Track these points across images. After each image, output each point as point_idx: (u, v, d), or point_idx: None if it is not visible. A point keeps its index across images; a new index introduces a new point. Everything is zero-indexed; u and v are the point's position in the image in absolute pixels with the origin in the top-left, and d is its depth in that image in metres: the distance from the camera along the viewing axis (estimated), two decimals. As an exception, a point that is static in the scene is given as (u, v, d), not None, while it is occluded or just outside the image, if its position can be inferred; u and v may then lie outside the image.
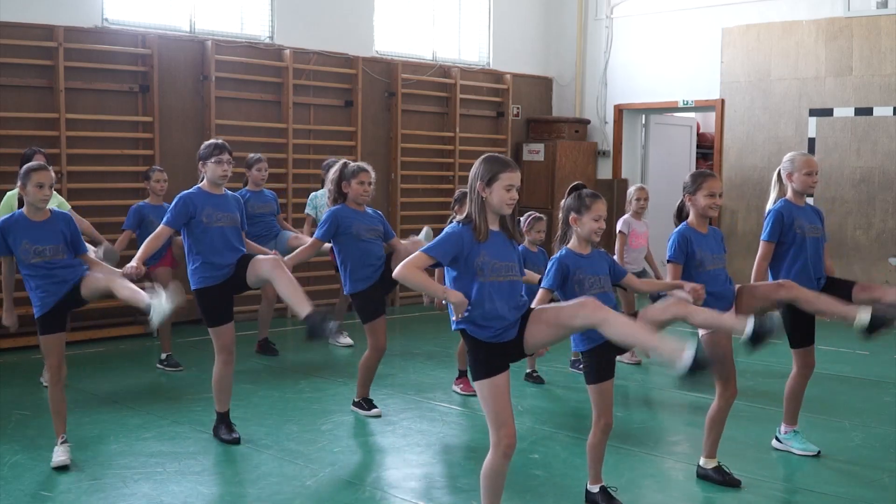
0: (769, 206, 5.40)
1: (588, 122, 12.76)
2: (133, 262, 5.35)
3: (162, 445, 5.56)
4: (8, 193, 6.88)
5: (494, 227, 3.88)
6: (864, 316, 4.68)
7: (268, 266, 5.34)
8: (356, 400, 6.36)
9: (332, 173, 6.16)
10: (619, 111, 12.58)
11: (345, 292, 6.18)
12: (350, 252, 6.03)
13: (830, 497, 4.85)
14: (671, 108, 12.49)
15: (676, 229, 4.90)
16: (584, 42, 12.84)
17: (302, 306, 5.07)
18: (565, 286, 4.38)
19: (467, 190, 3.93)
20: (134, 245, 7.69)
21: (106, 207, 8.68)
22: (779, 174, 5.42)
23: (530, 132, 12.75)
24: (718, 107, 11.54)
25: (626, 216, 7.97)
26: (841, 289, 5.30)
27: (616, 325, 3.76)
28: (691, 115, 13.59)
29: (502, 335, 3.84)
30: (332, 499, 4.77)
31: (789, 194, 5.36)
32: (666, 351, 3.68)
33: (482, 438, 5.85)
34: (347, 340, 8.68)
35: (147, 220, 7.50)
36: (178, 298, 4.88)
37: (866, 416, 6.40)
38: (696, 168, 13.46)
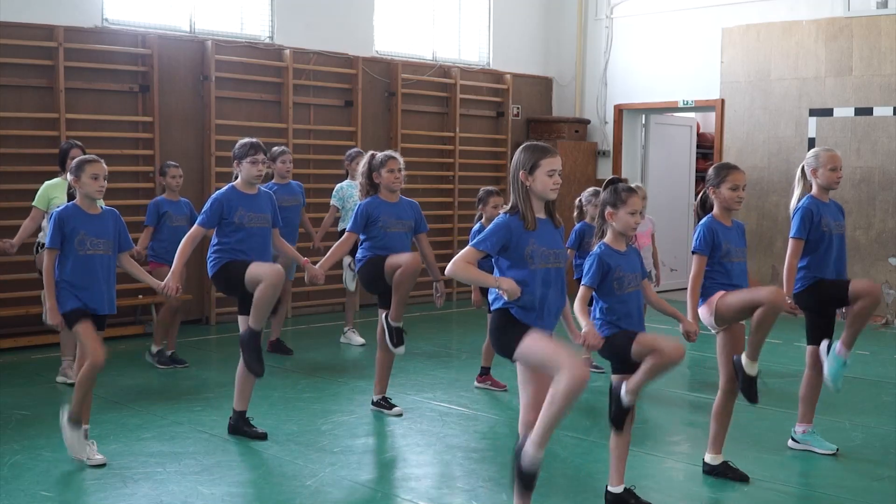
0: (794, 203, 5.42)
1: (588, 122, 12.76)
2: (169, 280, 5.36)
3: (162, 445, 5.55)
4: (46, 183, 6.90)
5: (541, 214, 4.00)
6: (749, 367, 4.82)
7: (272, 275, 5.43)
8: (375, 399, 6.40)
9: (362, 166, 6.16)
10: (619, 111, 12.58)
11: (355, 268, 6.21)
12: (377, 237, 6.03)
13: (831, 497, 4.85)
14: (671, 108, 12.49)
15: (702, 221, 4.91)
16: (584, 42, 12.84)
17: (254, 322, 5.51)
18: (604, 283, 4.36)
19: (510, 181, 4.03)
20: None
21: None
22: (802, 170, 5.44)
23: (530, 132, 12.74)
24: (718, 107, 11.54)
25: None
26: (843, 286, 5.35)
27: (567, 398, 3.78)
28: (691, 115, 13.59)
29: (545, 323, 3.93)
30: (332, 499, 4.76)
31: (814, 190, 5.38)
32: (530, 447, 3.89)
33: (482, 438, 5.87)
34: (360, 339, 8.67)
35: (166, 214, 7.55)
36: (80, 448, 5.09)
37: (866, 416, 6.40)
38: (696, 168, 13.49)
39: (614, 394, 4.45)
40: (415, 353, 8.29)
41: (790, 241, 5.32)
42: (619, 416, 4.47)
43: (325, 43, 10.54)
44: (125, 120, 9.11)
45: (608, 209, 4.40)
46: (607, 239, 4.43)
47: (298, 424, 6.07)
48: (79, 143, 7.18)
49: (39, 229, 6.84)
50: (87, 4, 8.92)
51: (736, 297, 4.79)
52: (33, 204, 6.85)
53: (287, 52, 10.12)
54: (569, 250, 6.75)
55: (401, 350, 6.16)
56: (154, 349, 7.71)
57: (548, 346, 3.85)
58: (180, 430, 5.89)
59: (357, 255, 6.19)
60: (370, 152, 6.23)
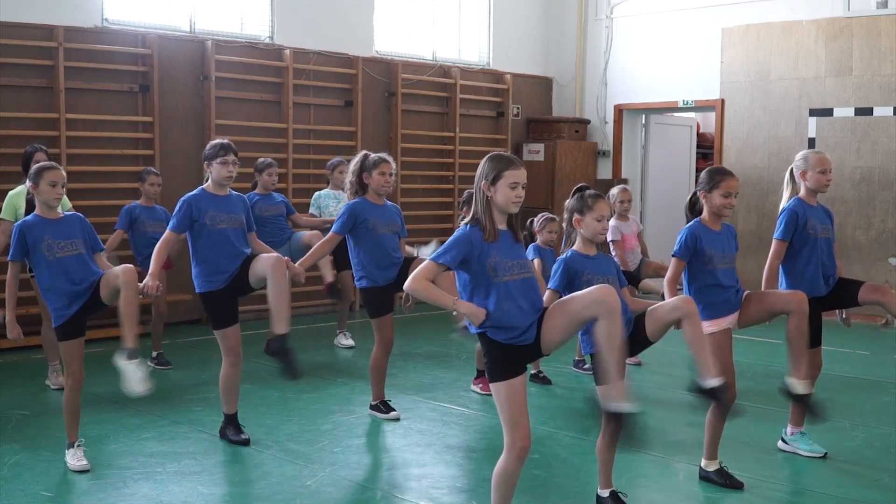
0: (782, 204, 5.38)
1: (588, 122, 12.75)
2: (148, 280, 5.30)
3: (162, 445, 5.56)
4: (10, 193, 6.86)
5: (502, 226, 3.85)
6: (797, 386, 4.85)
7: (268, 265, 5.30)
8: (373, 403, 6.30)
9: (353, 164, 6.10)
10: (619, 111, 12.58)
11: (356, 285, 6.15)
12: (365, 246, 5.98)
13: (832, 498, 4.85)
14: (671, 108, 12.49)
15: (687, 226, 4.87)
16: (584, 42, 12.84)
17: (280, 323, 5.31)
18: (572, 288, 4.31)
19: (473, 190, 3.88)
20: (126, 245, 7.72)
21: (106, 207, 8.67)
22: (791, 172, 5.41)
23: (530, 132, 12.75)
24: (718, 107, 11.53)
25: (612, 221, 7.64)
26: (849, 290, 5.30)
27: (611, 330, 3.74)
28: (691, 115, 13.59)
29: (522, 337, 3.81)
30: (332, 499, 4.76)
31: (802, 192, 5.34)
32: (612, 393, 3.83)
33: (482, 439, 5.86)
34: (349, 342, 8.67)
35: (138, 220, 7.52)
36: (145, 383, 4.86)
37: (867, 417, 6.40)
38: (696, 168, 13.48)
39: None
40: (415, 353, 8.29)
41: (773, 242, 5.28)
42: (720, 394, 4.39)
43: (325, 43, 10.53)
44: (125, 120, 9.11)
45: (575, 216, 4.39)
46: (576, 245, 4.42)
47: (298, 424, 6.07)
48: (42, 147, 7.08)
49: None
50: (87, 4, 8.92)
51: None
52: (1, 217, 6.76)
53: (287, 52, 10.11)
54: None
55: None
56: (154, 353, 7.75)
57: (512, 407, 3.77)
58: (180, 430, 5.89)
59: (353, 266, 6.11)
60: (363, 152, 6.18)
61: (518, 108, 12.62)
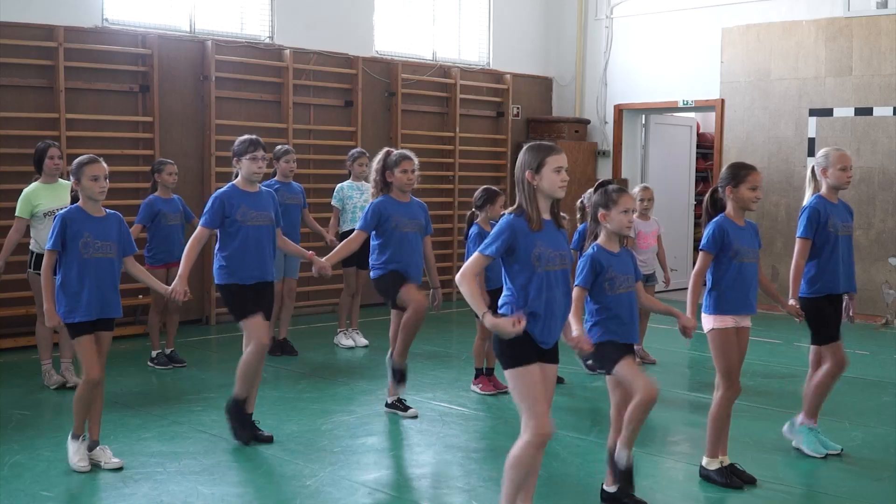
0: (805, 203, 5.42)
1: (588, 122, 12.76)
2: (178, 285, 5.35)
3: (162, 445, 5.55)
4: (25, 191, 6.86)
5: (546, 215, 3.88)
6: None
7: (252, 347, 5.49)
8: (389, 401, 6.35)
9: (376, 163, 6.13)
10: (619, 111, 12.58)
11: (371, 276, 6.18)
12: (390, 241, 6.01)
13: (831, 497, 4.85)
14: (671, 108, 12.49)
15: (714, 220, 4.89)
16: (584, 42, 12.84)
17: (241, 390, 5.57)
18: (596, 283, 4.36)
19: (515, 182, 3.90)
20: (142, 242, 7.70)
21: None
22: (812, 171, 5.45)
23: (530, 132, 12.74)
24: (718, 107, 11.53)
25: None
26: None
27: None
28: (691, 115, 13.59)
29: (550, 337, 3.86)
30: (332, 499, 4.76)
31: (823, 190, 5.39)
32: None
33: (482, 438, 5.87)
34: (349, 342, 8.67)
35: (160, 213, 7.51)
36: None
37: (867, 416, 6.40)
38: (696, 168, 13.49)
39: (614, 460, 4.54)
40: (415, 353, 8.26)
41: (797, 241, 5.34)
42: (625, 478, 4.53)
43: (325, 43, 10.54)
44: (125, 120, 9.11)
45: (600, 211, 4.41)
46: (600, 240, 4.45)
47: (298, 424, 6.07)
48: (55, 143, 7.07)
49: (28, 242, 6.83)
50: (87, 4, 8.92)
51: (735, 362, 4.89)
52: (16, 214, 6.77)
53: (287, 52, 10.11)
54: (573, 252, 6.74)
55: (402, 389, 6.29)
56: (153, 353, 7.72)
57: (534, 393, 3.80)
58: (180, 430, 5.89)
59: (371, 259, 6.15)
60: (385, 149, 6.21)
61: (518, 108, 12.61)
